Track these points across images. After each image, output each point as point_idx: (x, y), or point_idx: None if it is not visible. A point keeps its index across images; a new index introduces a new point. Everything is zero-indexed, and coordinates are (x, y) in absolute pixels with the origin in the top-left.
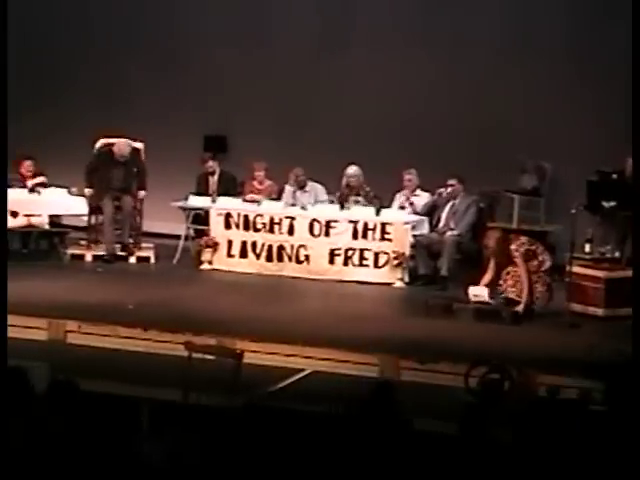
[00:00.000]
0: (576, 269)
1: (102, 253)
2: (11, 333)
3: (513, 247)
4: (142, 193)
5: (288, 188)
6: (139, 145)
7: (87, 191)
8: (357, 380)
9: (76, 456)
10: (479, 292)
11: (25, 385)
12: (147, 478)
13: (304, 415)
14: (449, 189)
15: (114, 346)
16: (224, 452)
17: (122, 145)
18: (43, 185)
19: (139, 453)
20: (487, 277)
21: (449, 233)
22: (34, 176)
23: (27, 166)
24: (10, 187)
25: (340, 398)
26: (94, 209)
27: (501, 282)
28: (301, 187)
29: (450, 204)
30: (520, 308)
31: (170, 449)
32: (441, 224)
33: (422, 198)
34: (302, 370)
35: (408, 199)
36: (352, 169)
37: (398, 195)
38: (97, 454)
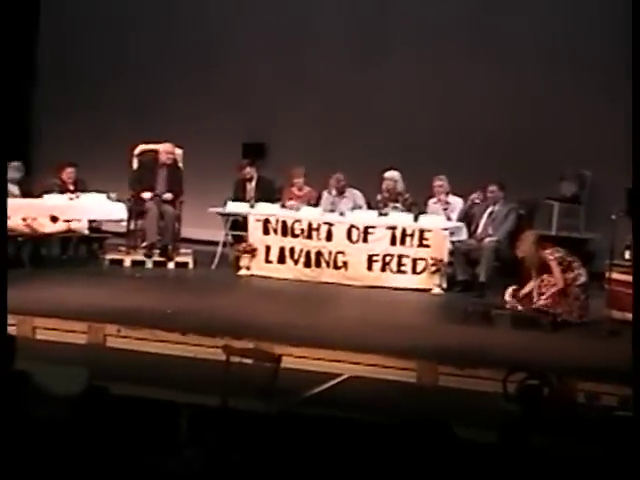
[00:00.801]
0: (615, 276)
1: (141, 259)
2: (50, 337)
3: (548, 251)
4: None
5: (326, 194)
6: (178, 151)
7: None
8: (396, 386)
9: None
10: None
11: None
12: None
13: (341, 422)
14: (489, 195)
15: (152, 350)
16: (261, 457)
17: (169, 149)
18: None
19: (178, 458)
20: (531, 283)
21: (487, 239)
22: (75, 183)
23: (68, 173)
24: (50, 192)
25: (378, 404)
26: (134, 214)
27: (534, 290)
28: (340, 193)
29: (489, 210)
30: (557, 314)
31: (208, 454)
32: (479, 230)
33: (455, 204)
34: (339, 375)
35: (441, 201)
36: (391, 173)
37: (431, 201)
38: (133, 459)
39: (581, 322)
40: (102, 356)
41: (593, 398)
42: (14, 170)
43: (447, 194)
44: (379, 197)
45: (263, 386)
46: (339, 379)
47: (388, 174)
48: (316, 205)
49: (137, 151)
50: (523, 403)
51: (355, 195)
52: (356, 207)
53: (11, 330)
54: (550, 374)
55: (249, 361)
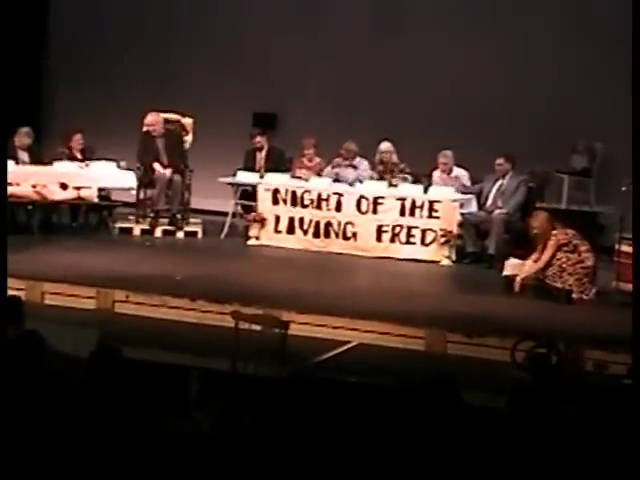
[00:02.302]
0: (625, 248)
1: (149, 227)
2: (59, 302)
3: (555, 232)
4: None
5: (337, 160)
6: (188, 121)
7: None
8: (404, 353)
9: (122, 422)
10: (512, 266)
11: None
12: (196, 443)
13: (351, 386)
14: (497, 167)
15: (162, 316)
16: (271, 420)
17: (151, 120)
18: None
19: (188, 419)
20: (534, 256)
21: (497, 212)
22: (83, 150)
23: (77, 139)
24: (59, 160)
25: (387, 370)
26: (143, 183)
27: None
28: (347, 159)
29: (498, 183)
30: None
31: (218, 416)
32: (489, 203)
33: (461, 176)
34: (348, 342)
35: (449, 173)
36: (386, 145)
37: (435, 173)
38: (143, 420)
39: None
40: (111, 321)
41: (601, 366)
42: (24, 135)
43: (451, 169)
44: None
45: (272, 352)
46: (347, 346)
47: (383, 146)
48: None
49: (146, 120)
50: (531, 371)
51: (361, 164)
52: (360, 177)
53: (19, 294)
54: (558, 342)
55: (257, 327)
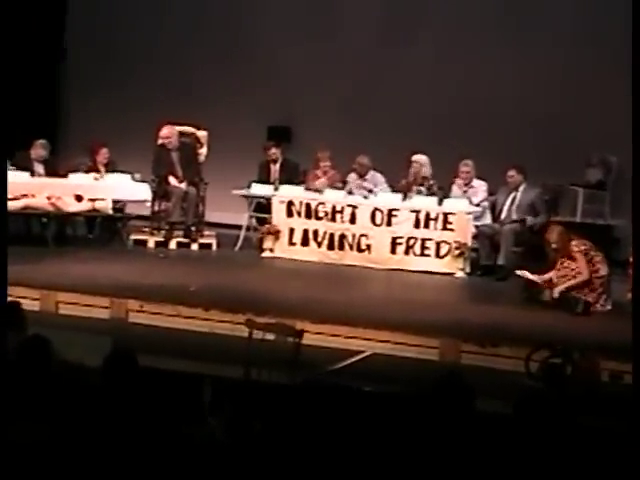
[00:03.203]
0: None
1: (163, 239)
2: (73, 312)
3: (574, 243)
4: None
5: (352, 176)
6: (203, 133)
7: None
8: (417, 363)
9: (136, 427)
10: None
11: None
12: (210, 450)
13: (364, 394)
14: (508, 180)
15: (175, 325)
16: (283, 426)
17: (165, 133)
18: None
19: (202, 426)
20: (556, 271)
21: (508, 226)
22: (107, 164)
23: (104, 153)
24: (76, 172)
25: (400, 380)
26: (158, 196)
27: (554, 278)
28: (361, 175)
29: (512, 195)
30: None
31: (232, 423)
32: (503, 215)
33: (478, 187)
34: (362, 352)
35: (467, 185)
36: (419, 157)
37: (455, 185)
38: (157, 426)
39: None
40: (125, 330)
41: (616, 376)
42: (40, 148)
43: (471, 179)
44: (403, 181)
45: (285, 360)
46: (361, 355)
47: (415, 157)
48: (341, 188)
49: (161, 132)
50: (546, 381)
51: (377, 178)
52: (373, 191)
53: (34, 304)
54: (573, 352)
55: (271, 336)
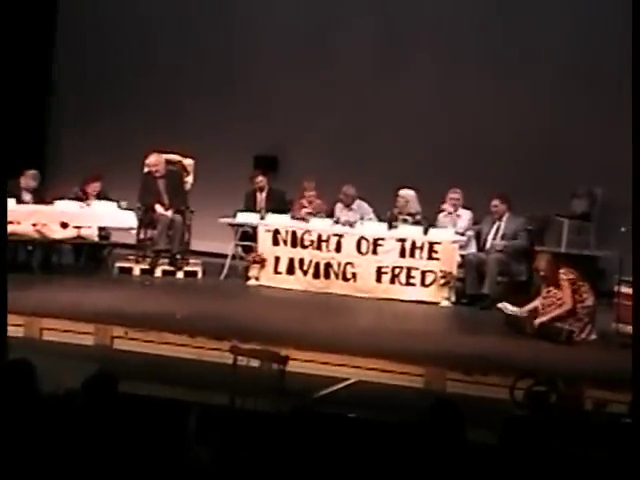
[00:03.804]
0: (624, 290)
1: (149, 267)
2: (57, 338)
3: (562, 271)
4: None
5: (339, 206)
6: (189, 162)
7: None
8: (403, 390)
9: (120, 456)
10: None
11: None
12: (195, 477)
13: (350, 421)
14: (492, 209)
15: (160, 352)
16: (269, 453)
17: (152, 161)
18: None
19: (187, 453)
20: (536, 302)
21: (493, 253)
22: (98, 196)
23: (95, 187)
24: (62, 199)
25: (386, 407)
26: (144, 224)
27: (539, 307)
28: (347, 205)
29: (496, 226)
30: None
31: (217, 450)
32: (488, 245)
33: (464, 217)
34: (347, 379)
35: (452, 213)
36: (405, 192)
37: (441, 215)
38: (142, 455)
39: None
40: (109, 357)
41: (601, 405)
42: (30, 178)
43: (458, 207)
44: (389, 213)
45: (270, 387)
46: (346, 383)
47: (402, 192)
48: (328, 217)
49: (147, 161)
50: (531, 409)
51: (363, 208)
52: (363, 220)
53: (18, 331)
54: (558, 381)
55: (256, 364)
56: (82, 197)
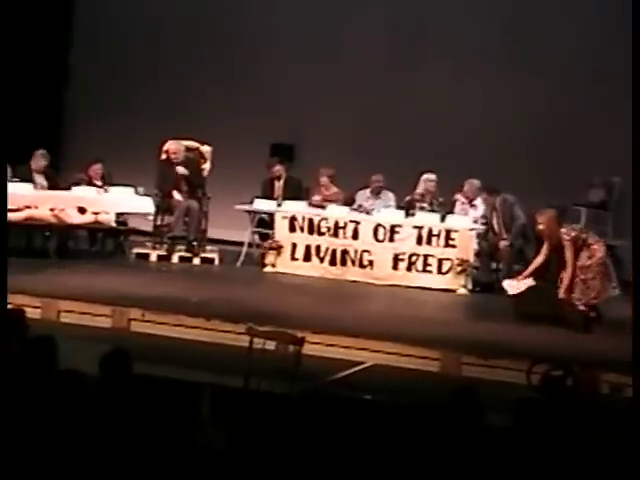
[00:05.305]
0: None
1: (167, 254)
2: (74, 320)
3: (564, 230)
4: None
5: (363, 193)
6: (207, 149)
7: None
8: (419, 374)
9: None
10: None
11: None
12: (208, 459)
13: (364, 403)
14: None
15: (177, 335)
16: (283, 436)
17: (172, 147)
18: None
19: (199, 436)
20: (539, 259)
21: (502, 242)
22: (102, 179)
23: (96, 169)
24: (77, 185)
25: (401, 391)
26: (161, 210)
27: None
28: (376, 194)
29: (496, 215)
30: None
31: (231, 433)
32: (497, 234)
33: (480, 207)
34: (363, 363)
35: (470, 203)
36: (431, 176)
37: (458, 204)
38: (156, 436)
39: (612, 321)
40: (126, 339)
41: (617, 389)
42: (39, 157)
43: (475, 197)
44: (409, 197)
45: (286, 369)
46: (362, 366)
47: (427, 176)
48: (345, 205)
49: (165, 147)
50: (547, 393)
51: (388, 197)
52: (386, 207)
53: (35, 313)
54: (574, 365)
55: (272, 346)
56: (88, 182)
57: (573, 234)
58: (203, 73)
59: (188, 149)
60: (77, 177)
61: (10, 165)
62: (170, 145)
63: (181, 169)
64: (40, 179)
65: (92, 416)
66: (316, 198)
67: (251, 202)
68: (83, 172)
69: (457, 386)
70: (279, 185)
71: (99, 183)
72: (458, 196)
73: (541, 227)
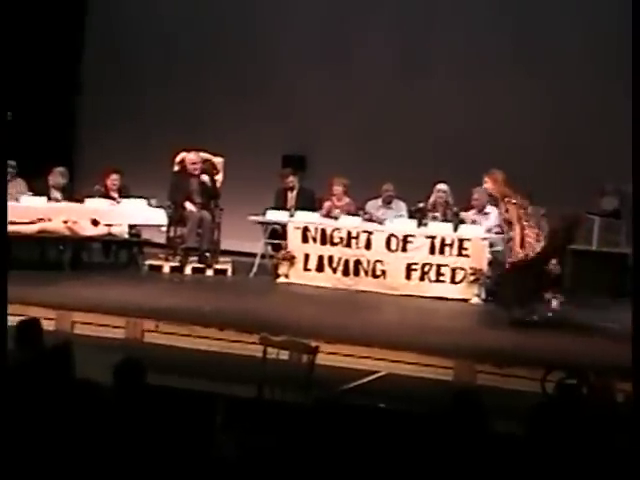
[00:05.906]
0: None
1: (180, 265)
2: (88, 331)
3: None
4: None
5: (373, 203)
6: (219, 160)
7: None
8: (433, 383)
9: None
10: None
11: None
12: (221, 469)
13: (378, 412)
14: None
15: (190, 345)
16: (296, 446)
17: (192, 158)
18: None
19: (212, 446)
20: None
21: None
22: (119, 190)
23: (113, 179)
24: (91, 197)
25: (415, 399)
26: (174, 221)
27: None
28: (387, 203)
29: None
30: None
31: (244, 442)
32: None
33: (492, 215)
34: (377, 372)
35: (481, 212)
36: (444, 186)
37: (470, 212)
38: (169, 446)
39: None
40: (140, 350)
41: (632, 397)
42: (58, 175)
43: (484, 206)
44: (421, 204)
45: (299, 379)
46: (376, 375)
47: (441, 186)
48: (358, 215)
49: (177, 159)
50: (562, 402)
51: (400, 206)
52: (398, 216)
53: (50, 324)
54: (589, 373)
55: (285, 356)
56: (105, 193)
57: (514, 201)
58: (215, 85)
59: (202, 161)
60: (94, 188)
61: (25, 180)
62: (188, 156)
63: (205, 177)
64: (57, 194)
65: (106, 426)
66: (327, 204)
67: (264, 213)
68: (100, 182)
69: (458, 392)
70: (292, 196)
71: (115, 195)
72: (464, 214)
73: (485, 185)
